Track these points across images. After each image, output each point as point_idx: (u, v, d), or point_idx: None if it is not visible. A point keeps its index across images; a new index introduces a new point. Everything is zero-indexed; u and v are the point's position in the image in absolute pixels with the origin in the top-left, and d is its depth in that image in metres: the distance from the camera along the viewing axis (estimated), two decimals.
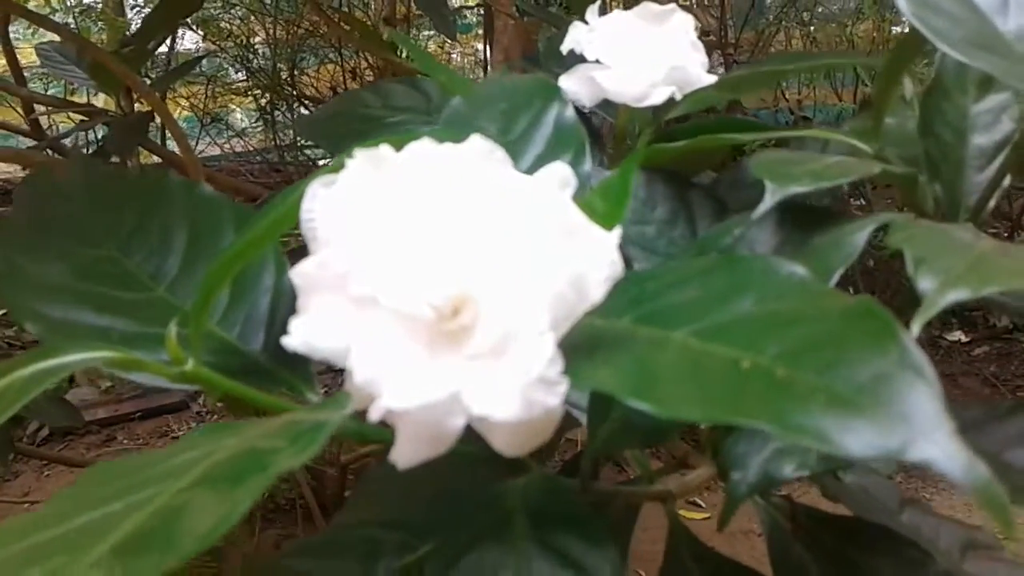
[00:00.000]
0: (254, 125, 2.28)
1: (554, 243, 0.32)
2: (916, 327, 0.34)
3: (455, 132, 0.46)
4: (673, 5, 0.64)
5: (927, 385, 0.26)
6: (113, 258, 0.46)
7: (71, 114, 1.52)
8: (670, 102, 0.62)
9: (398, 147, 0.34)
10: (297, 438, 0.30)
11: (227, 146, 2.48)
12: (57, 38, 1.22)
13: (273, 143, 2.16)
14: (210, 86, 2.29)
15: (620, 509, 0.44)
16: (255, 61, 2.09)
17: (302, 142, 2.11)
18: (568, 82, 0.63)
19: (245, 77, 2.10)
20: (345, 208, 0.32)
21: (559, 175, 0.35)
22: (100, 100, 1.46)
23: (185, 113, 2.32)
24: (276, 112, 2.13)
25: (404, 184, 0.33)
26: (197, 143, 2.45)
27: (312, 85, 2.16)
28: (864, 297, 0.30)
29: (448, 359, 0.32)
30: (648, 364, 0.31)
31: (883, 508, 0.65)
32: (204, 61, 2.18)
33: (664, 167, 0.58)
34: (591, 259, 0.31)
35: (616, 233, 0.32)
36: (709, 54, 0.65)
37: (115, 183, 0.48)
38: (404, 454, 0.33)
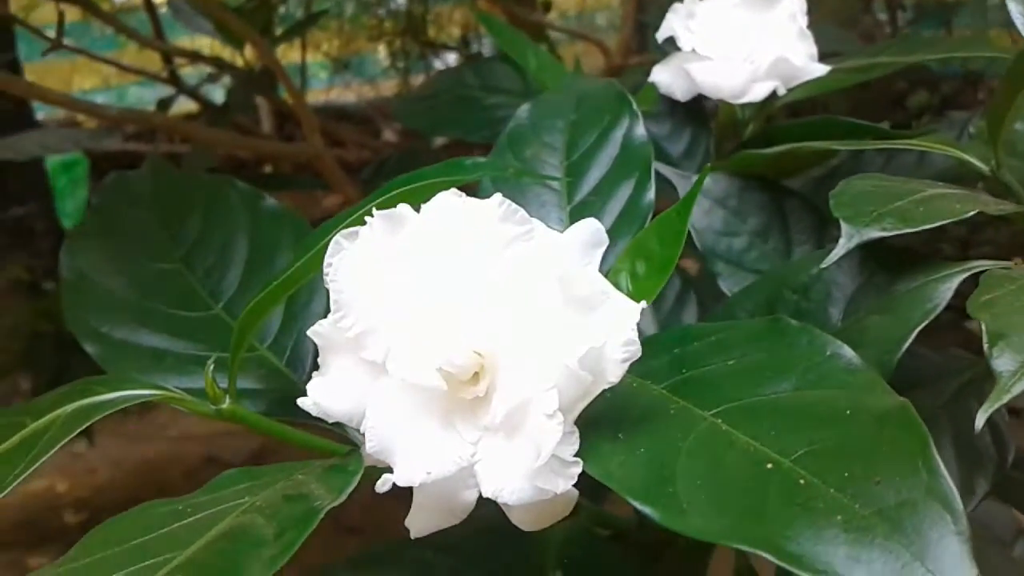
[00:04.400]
0: (386, 71, 2.30)
1: (571, 318, 0.30)
2: (981, 419, 0.30)
3: (514, 151, 0.44)
4: None
5: (954, 522, 0.23)
6: (177, 271, 0.46)
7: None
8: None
9: (426, 196, 0.32)
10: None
11: (364, 90, 2.51)
12: None
13: (406, 89, 2.17)
14: (342, 32, 2.31)
15: (675, 562, 0.41)
16: (390, 3, 2.10)
17: None
18: (661, 74, 0.59)
19: (377, 22, 2.11)
20: (361, 270, 0.31)
21: (588, 234, 0.32)
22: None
23: (320, 59, 2.36)
24: (408, 58, 2.13)
25: (421, 246, 0.31)
26: (331, 90, 2.49)
27: (445, 30, 2.15)
28: (903, 403, 0.27)
29: (463, 429, 0.31)
30: (667, 455, 0.29)
31: (994, 538, 0.61)
32: (343, 4, 2.20)
33: (760, 173, 0.54)
34: (608, 338, 0.29)
35: (638, 308, 0.30)
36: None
37: (183, 190, 0.49)
38: (417, 522, 0.32)
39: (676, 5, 0.60)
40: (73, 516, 1.58)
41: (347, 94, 2.49)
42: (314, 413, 0.31)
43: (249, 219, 0.47)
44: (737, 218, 0.53)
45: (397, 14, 2.06)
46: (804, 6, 0.58)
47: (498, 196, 0.31)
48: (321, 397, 0.31)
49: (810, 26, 0.59)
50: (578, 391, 0.29)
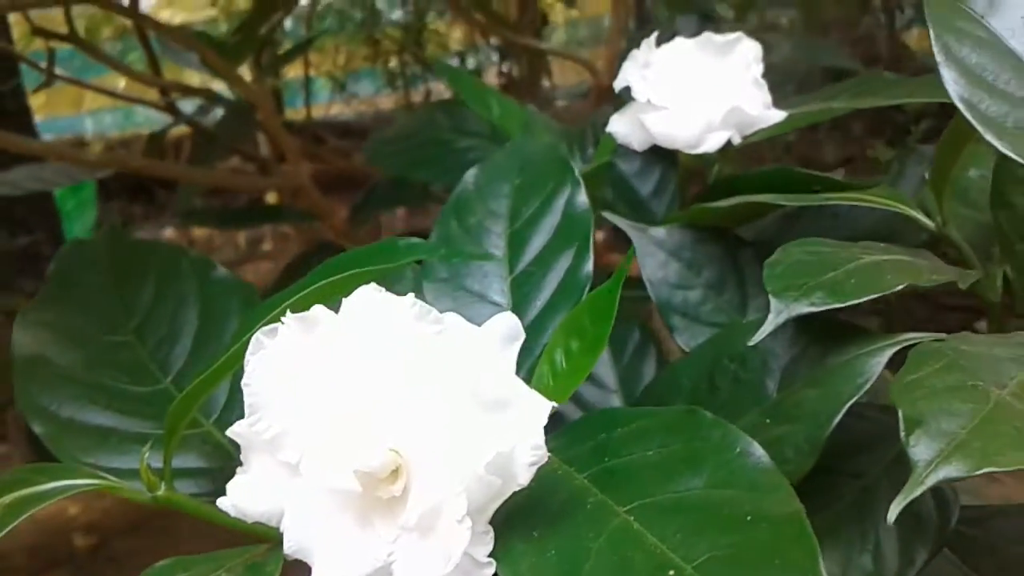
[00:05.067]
0: (384, 89, 2.30)
1: (482, 418, 0.30)
2: (894, 511, 0.30)
3: (459, 217, 0.44)
4: (739, 34, 0.59)
5: None
6: (129, 343, 0.47)
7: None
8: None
9: (352, 287, 0.33)
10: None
11: (361, 108, 2.52)
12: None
13: (406, 103, 2.18)
14: (339, 51, 2.32)
15: None
16: (383, 20, 2.11)
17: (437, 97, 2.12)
18: (618, 124, 0.59)
19: (374, 41, 2.12)
20: (276, 371, 0.31)
21: (505, 329, 0.32)
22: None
23: (323, 75, 2.36)
24: (405, 76, 2.14)
25: (336, 345, 0.31)
26: (330, 107, 2.50)
27: (442, 44, 2.15)
28: (796, 511, 0.27)
29: (381, 528, 0.31)
30: (577, 557, 0.29)
31: None
32: (344, 23, 2.20)
33: (714, 224, 0.54)
34: (518, 441, 0.29)
35: (547, 408, 0.30)
36: None
37: (137, 259, 0.49)
38: None
39: (633, 52, 0.60)
40: (83, 539, 1.60)
41: (347, 111, 2.50)
42: (232, 514, 0.32)
43: (199, 288, 0.47)
44: (691, 271, 0.53)
45: (396, 31, 2.08)
46: (759, 54, 0.58)
47: (411, 296, 0.32)
48: (239, 498, 0.32)
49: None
50: (488, 494, 0.30)
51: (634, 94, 0.58)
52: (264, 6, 1.19)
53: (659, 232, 0.54)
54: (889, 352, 0.37)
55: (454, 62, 2.03)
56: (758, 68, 0.58)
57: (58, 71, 1.24)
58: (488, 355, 0.31)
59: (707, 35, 0.59)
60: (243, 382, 0.31)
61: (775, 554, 0.26)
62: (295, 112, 2.57)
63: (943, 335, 0.38)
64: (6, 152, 1.04)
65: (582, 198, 0.45)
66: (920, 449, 0.31)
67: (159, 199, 2.56)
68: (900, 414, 0.32)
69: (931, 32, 0.40)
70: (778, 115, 0.58)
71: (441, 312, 0.33)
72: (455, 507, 0.29)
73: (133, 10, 1.03)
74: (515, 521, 0.31)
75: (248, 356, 0.32)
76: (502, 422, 0.30)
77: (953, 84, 0.39)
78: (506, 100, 0.65)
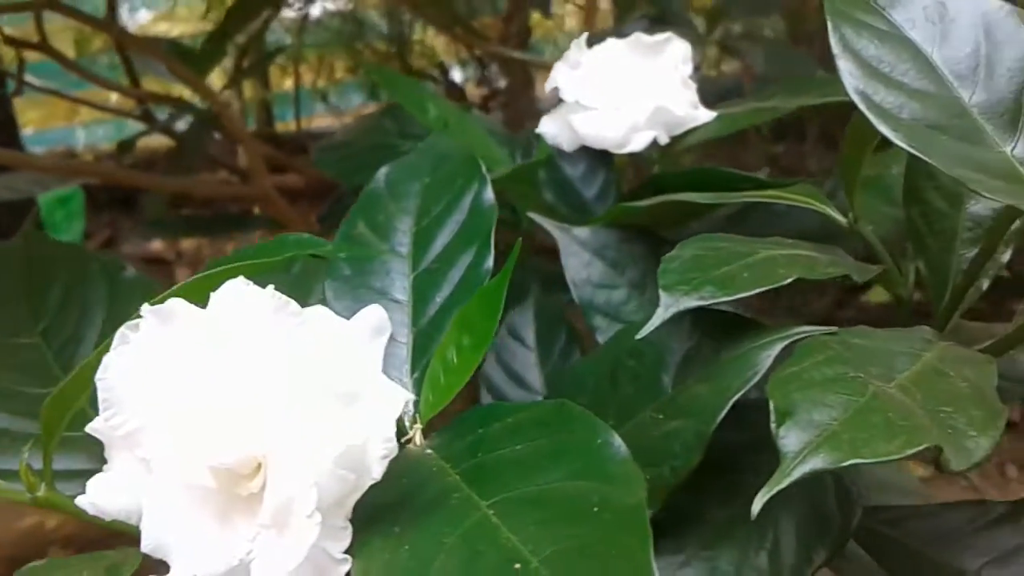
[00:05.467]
0: (367, 101, 2.31)
1: (338, 412, 0.29)
2: (758, 504, 0.30)
3: (367, 215, 0.44)
4: (668, 34, 0.58)
5: None
6: (35, 346, 0.46)
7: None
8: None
9: (210, 286, 0.32)
10: None
11: (348, 119, 2.53)
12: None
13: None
14: (324, 62, 2.32)
15: None
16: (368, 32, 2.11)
17: None
18: (548, 125, 0.59)
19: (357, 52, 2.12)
20: (133, 365, 0.31)
21: (374, 322, 0.32)
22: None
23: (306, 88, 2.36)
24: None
25: (195, 339, 0.31)
26: (312, 119, 2.50)
27: (427, 55, 2.15)
28: (638, 503, 0.26)
29: (241, 525, 0.30)
30: (428, 553, 0.28)
31: None
32: (317, 32, 2.20)
33: (638, 224, 0.54)
34: (371, 434, 0.29)
35: (402, 400, 0.30)
36: None
37: (50, 262, 0.49)
38: None
39: (567, 54, 0.60)
40: (61, 552, 1.59)
41: (335, 123, 2.51)
42: (91, 512, 0.31)
43: (107, 290, 0.47)
44: (615, 270, 0.53)
45: (381, 43, 2.08)
46: (689, 54, 0.58)
47: (271, 288, 0.31)
48: (98, 495, 0.31)
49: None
50: (342, 489, 0.29)
51: (562, 95, 0.57)
52: (235, 18, 1.19)
53: (583, 232, 0.54)
54: (780, 345, 0.37)
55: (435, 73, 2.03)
56: (687, 68, 0.58)
57: (47, 83, 1.25)
58: (347, 348, 0.31)
59: (637, 35, 0.58)
60: (96, 377, 0.31)
61: (612, 544, 0.26)
62: (285, 125, 2.58)
63: (836, 328, 0.37)
64: None
65: (488, 195, 0.44)
66: (789, 440, 0.31)
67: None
68: (771, 405, 0.31)
69: (828, 24, 0.40)
70: (707, 115, 0.57)
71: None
72: (305, 502, 0.29)
73: (106, 22, 1.03)
74: (381, 518, 0.31)
75: (112, 348, 0.32)
76: (355, 415, 0.29)
77: (848, 76, 0.38)
78: (443, 103, 0.65)
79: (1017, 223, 0.42)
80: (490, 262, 0.42)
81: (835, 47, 0.39)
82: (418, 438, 0.37)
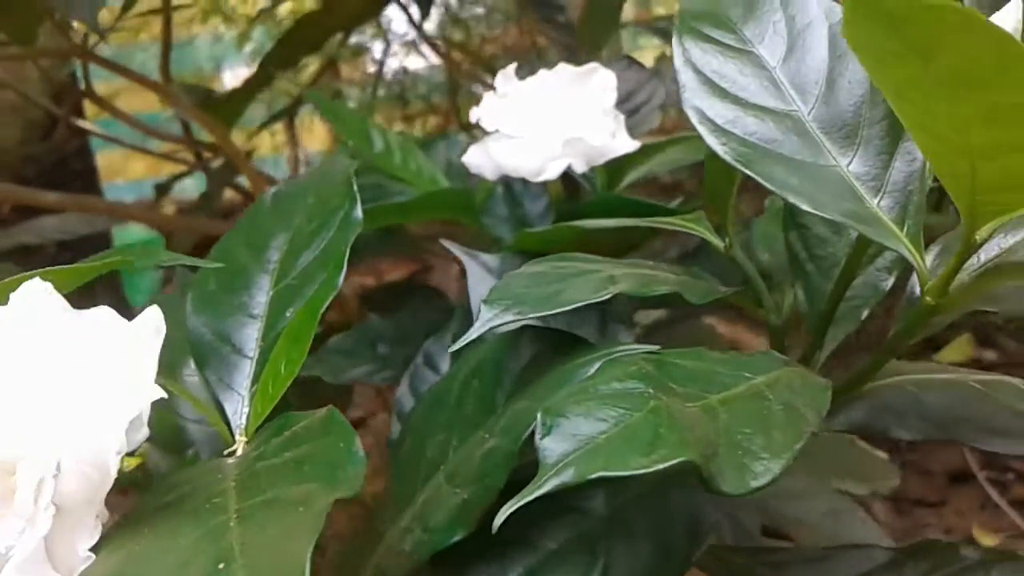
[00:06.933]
0: None
1: (85, 411, 0.30)
2: (499, 519, 0.29)
3: (248, 233, 0.45)
4: (594, 64, 0.58)
5: None
6: None
7: None
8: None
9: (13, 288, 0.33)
10: None
11: None
12: None
13: None
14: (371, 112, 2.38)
15: None
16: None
17: None
18: (471, 155, 0.59)
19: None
20: None
21: (154, 323, 0.32)
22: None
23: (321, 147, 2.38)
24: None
25: None
26: None
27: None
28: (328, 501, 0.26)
29: (7, 520, 0.31)
30: (152, 554, 0.28)
31: None
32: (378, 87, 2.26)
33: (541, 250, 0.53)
34: (106, 432, 0.29)
35: (140, 402, 0.30)
36: None
37: None
38: None
39: (496, 82, 0.60)
40: None
41: None
42: None
43: None
44: None
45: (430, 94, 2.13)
46: (613, 84, 0.57)
47: (47, 285, 0.32)
48: None
49: None
50: (88, 486, 0.29)
51: (483, 124, 0.57)
52: (260, 78, 1.23)
53: (491, 259, 0.53)
54: (598, 363, 0.36)
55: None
56: (610, 97, 0.57)
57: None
58: (119, 349, 0.31)
59: (563, 66, 0.58)
60: None
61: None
62: None
63: (657, 347, 0.36)
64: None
65: (356, 214, 0.44)
66: (549, 452, 0.30)
67: None
68: (538, 417, 0.30)
69: (673, 37, 0.39)
70: (629, 145, 0.56)
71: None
72: (44, 494, 0.29)
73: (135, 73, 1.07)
74: (145, 519, 0.31)
75: None
76: (105, 415, 0.30)
77: (686, 91, 0.38)
78: (390, 134, 0.66)
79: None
80: (339, 279, 0.42)
81: (677, 61, 0.38)
82: (240, 449, 0.37)
